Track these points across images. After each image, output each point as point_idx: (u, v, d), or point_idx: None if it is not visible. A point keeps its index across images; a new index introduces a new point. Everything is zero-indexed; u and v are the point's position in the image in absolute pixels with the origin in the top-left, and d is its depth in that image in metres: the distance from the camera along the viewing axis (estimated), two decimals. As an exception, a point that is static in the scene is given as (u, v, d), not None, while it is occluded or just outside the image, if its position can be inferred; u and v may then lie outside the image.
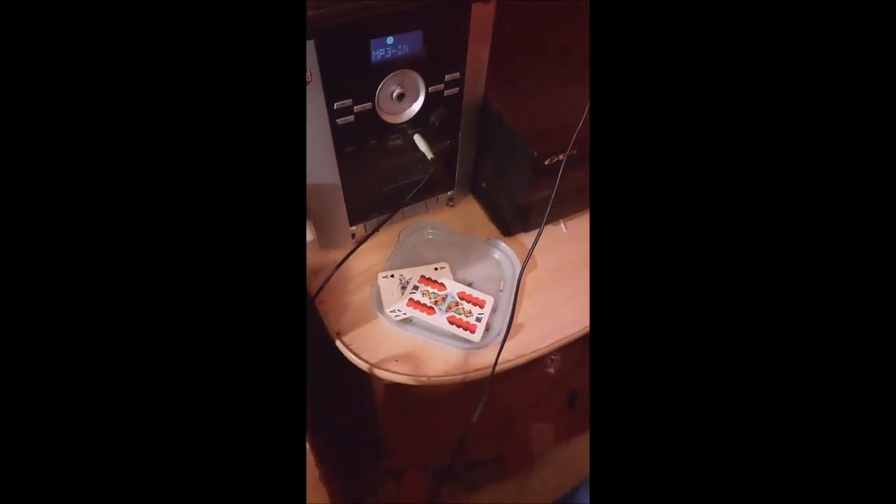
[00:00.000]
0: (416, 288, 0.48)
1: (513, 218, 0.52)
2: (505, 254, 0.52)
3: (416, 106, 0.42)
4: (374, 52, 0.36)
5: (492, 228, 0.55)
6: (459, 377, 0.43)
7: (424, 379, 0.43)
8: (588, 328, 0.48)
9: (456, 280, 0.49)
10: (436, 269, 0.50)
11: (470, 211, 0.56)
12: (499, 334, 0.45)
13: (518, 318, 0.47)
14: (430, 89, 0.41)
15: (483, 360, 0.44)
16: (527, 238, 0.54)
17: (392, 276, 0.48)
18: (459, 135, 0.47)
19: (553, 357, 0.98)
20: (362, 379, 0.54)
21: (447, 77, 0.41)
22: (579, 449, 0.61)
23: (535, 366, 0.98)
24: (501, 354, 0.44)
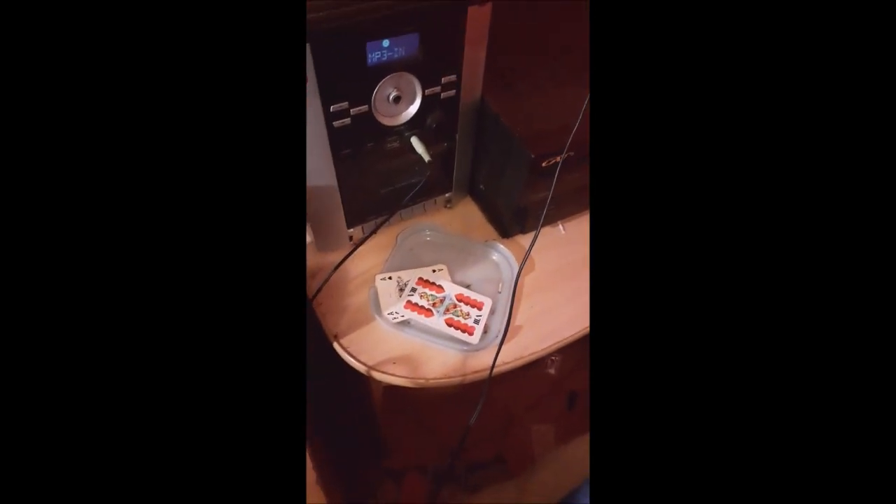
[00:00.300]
0: (413, 290, 0.48)
1: (510, 220, 0.52)
2: (503, 255, 0.52)
3: (413, 108, 0.42)
4: (369, 55, 0.36)
5: (490, 230, 0.55)
6: (457, 379, 0.43)
7: (422, 381, 0.43)
8: (587, 329, 0.47)
9: (454, 282, 0.49)
10: (434, 271, 0.50)
11: (468, 213, 0.56)
12: (497, 336, 0.45)
13: (516, 320, 0.47)
14: (427, 92, 0.41)
15: (481, 362, 0.44)
16: (525, 240, 0.54)
17: (390, 278, 0.48)
18: (457, 137, 0.47)
19: (553, 358, 0.98)
20: (361, 380, 0.54)
21: (444, 79, 0.41)
22: (579, 450, 0.61)
23: (535, 367, 0.97)
24: (500, 357, 0.44)
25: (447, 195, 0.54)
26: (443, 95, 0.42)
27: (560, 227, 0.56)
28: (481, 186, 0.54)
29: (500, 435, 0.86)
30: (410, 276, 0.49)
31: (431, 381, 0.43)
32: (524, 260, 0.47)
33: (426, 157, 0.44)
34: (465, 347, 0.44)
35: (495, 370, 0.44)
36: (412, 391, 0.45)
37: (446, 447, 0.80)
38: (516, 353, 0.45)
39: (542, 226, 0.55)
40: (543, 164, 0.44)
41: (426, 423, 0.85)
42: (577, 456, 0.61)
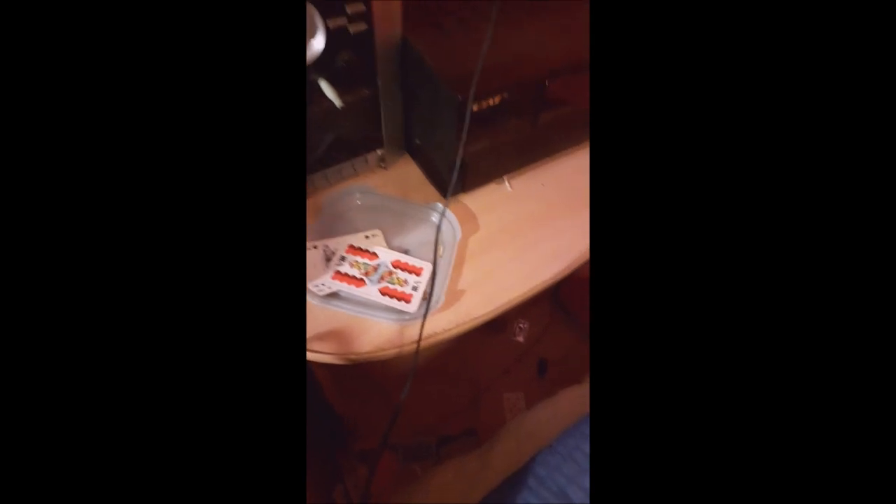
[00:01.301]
0: (343, 259, 0.43)
1: (449, 176, 0.47)
2: (445, 217, 0.48)
3: (317, 44, 0.36)
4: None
5: (431, 190, 0.50)
6: (394, 351, 0.40)
7: (354, 356, 0.39)
8: (535, 289, 0.44)
9: (391, 248, 0.45)
10: (367, 237, 0.45)
11: (405, 172, 0.51)
12: (437, 303, 0.41)
13: (459, 284, 0.43)
14: (330, 24, 0.35)
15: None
16: (469, 199, 0.50)
17: (315, 247, 0.43)
18: (378, 82, 0.42)
19: (521, 326, 0.96)
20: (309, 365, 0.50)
21: (349, 10, 0.36)
22: (541, 415, 0.59)
23: (502, 334, 0.96)
24: (440, 324, 0.40)
25: (379, 152, 0.49)
26: (351, 30, 0.37)
27: (506, 183, 0.52)
28: (417, 141, 0.49)
29: (472, 405, 0.85)
30: (339, 244, 0.44)
31: (364, 356, 0.39)
32: (443, 214, 0.43)
33: (338, 103, 0.38)
34: (404, 317, 0.41)
35: (437, 338, 0.40)
36: (373, 367, 0.41)
37: (419, 424, 0.78)
38: (458, 319, 0.41)
39: (488, 182, 0.51)
40: (475, 109, 0.40)
41: (393, 400, 0.82)
42: (540, 420, 0.59)
